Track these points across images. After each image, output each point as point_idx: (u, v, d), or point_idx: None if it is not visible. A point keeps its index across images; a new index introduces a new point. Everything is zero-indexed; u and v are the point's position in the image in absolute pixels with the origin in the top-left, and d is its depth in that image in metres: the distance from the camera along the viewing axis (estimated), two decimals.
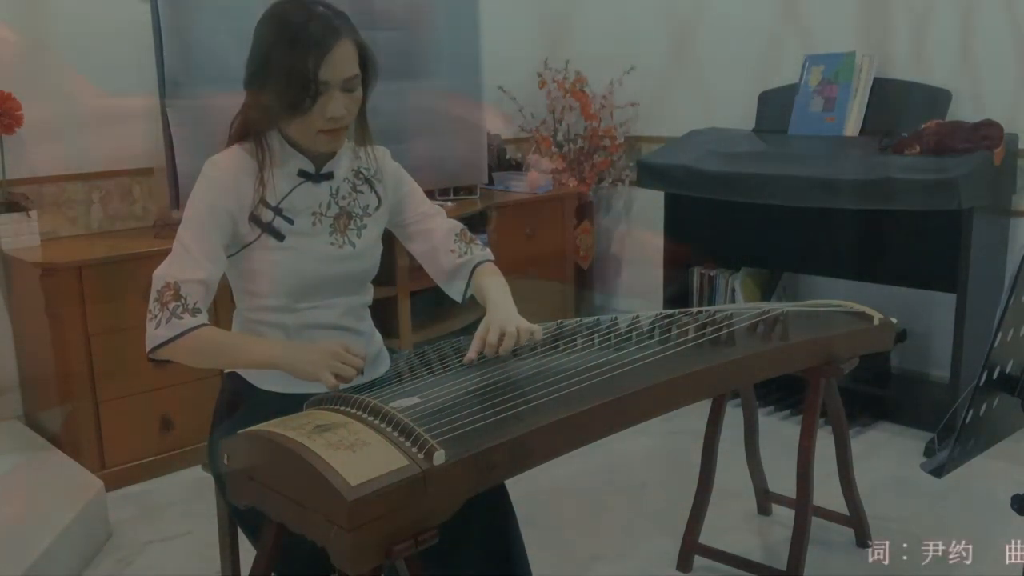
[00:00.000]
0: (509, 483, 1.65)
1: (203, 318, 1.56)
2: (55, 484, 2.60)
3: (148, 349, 1.56)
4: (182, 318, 1.54)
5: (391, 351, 1.88)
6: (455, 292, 1.85)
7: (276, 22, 1.58)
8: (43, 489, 2.58)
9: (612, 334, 1.81)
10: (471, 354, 1.61)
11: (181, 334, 1.53)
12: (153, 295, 1.56)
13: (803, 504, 2.14)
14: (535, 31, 4.33)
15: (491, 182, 4.12)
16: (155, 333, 1.54)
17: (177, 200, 3.04)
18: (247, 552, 1.71)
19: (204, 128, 2.97)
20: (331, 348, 1.53)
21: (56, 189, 3.14)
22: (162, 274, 1.57)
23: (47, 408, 2.95)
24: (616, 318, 1.92)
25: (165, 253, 2.83)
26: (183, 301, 1.54)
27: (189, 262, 1.57)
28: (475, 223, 3.76)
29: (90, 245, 3.03)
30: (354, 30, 1.60)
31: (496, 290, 1.76)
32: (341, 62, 1.56)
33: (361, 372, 1.55)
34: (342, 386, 1.54)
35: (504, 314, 1.67)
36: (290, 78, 1.54)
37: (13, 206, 2.97)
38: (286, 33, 1.55)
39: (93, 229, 3.24)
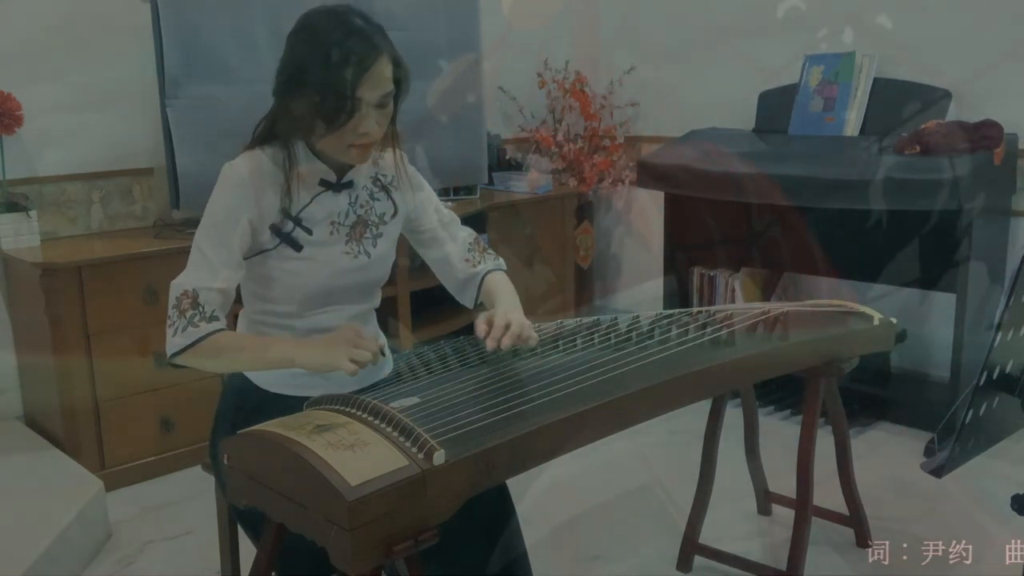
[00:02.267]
0: (509, 483, 1.65)
1: (219, 324, 1.55)
2: (55, 484, 2.60)
3: (168, 356, 1.56)
4: (198, 326, 1.53)
5: (392, 351, 1.88)
6: (467, 300, 1.86)
7: (314, 34, 1.55)
8: (43, 489, 2.58)
9: (612, 334, 1.81)
10: (482, 326, 1.62)
11: (197, 341, 1.53)
12: (172, 302, 1.55)
13: (803, 504, 2.14)
14: (535, 31, 4.33)
15: (491, 182, 4.12)
16: (173, 341, 1.54)
17: (177, 200, 3.04)
18: (247, 552, 1.71)
19: (204, 128, 2.97)
20: (344, 335, 1.53)
21: (56, 189, 3.15)
22: (180, 282, 1.56)
23: (47, 408, 2.95)
24: (616, 318, 1.92)
25: (165, 253, 2.88)
26: (200, 309, 1.54)
27: (208, 270, 1.55)
28: (475, 223, 3.76)
29: (90, 245, 3.03)
30: (391, 44, 1.58)
31: (505, 293, 1.77)
32: (378, 80, 1.54)
33: (382, 354, 1.55)
34: (347, 388, 1.54)
35: (511, 308, 1.69)
36: (327, 94, 1.51)
37: (13, 206, 2.97)
38: (325, 47, 1.51)
39: (93, 229, 3.24)
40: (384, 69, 1.55)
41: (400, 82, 1.61)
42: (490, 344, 1.59)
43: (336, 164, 1.66)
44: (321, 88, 1.51)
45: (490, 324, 1.62)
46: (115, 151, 3.25)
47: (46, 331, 2.79)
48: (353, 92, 1.51)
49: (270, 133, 1.64)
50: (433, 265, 1.88)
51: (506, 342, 1.59)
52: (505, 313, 1.65)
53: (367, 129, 1.56)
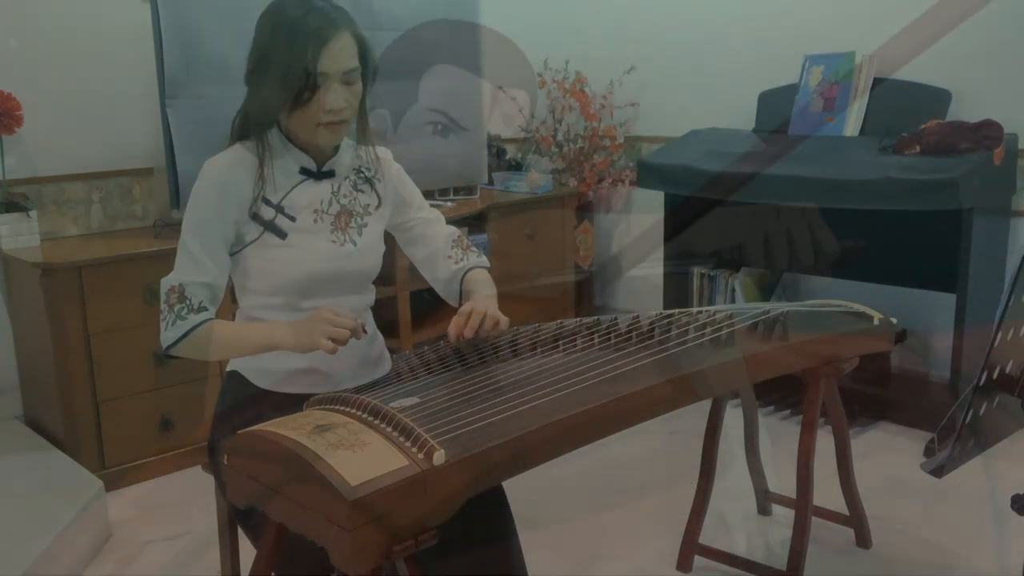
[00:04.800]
0: (510, 483, 1.65)
1: (207, 314, 1.59)
2: (55, 484, 2.60)
3: (163, 349, 1.61)
4: (186, 318, 1.57)
5: (391, 351, 1.88)
6: (451, 298, 1.88)
7: (275, 16, 1.59)
8: (43, 489, 2.58)
9: (612, 334, 1.81)
10: (452, 329, 1.65)
11: (186, 333, 1.57)
12: (162, 298, 1.60)
13: (803, 504, 2.14)
14: (535, 31, 4.33)
15: (491, 182, 4.12)
16: (165, 335, 1.59)
17: (177, 200, 3.04)
18: (247, 552, 1.71)
19: (204, 128, 2.97)
20: (321, 315, 1.55)
21: (56, 189, 3.15)
22: (168, 279, 1.61)
23: (47, 408, 2.95)
24: (616, 318, 1.92)
25: (165, 253, 2.88)
26: (188, 302, 1.58)
27: (193, 266, 1.59)
28: (475, 223, 3.77)
29: (90, 245, 3.03)
30: (353, 23, 1.61)
31: (480, 287, 1.80)
32: (340, 54, 1.57)
33: (363, 330, 1.57)
34: (346, 388, 1.54)
35: (478, 300, 1.73)
36: (289, 70, 1.54)
37: (13, 206, 2.98)
38: (285, 26, 1.56)
39: (93, 229, 3.24)
40: (345, 44, 1.58)
41: (365, 61, 1.63)
42: (467, 332, 1.63)
43: (315, 152, 1.68)
44: (283, 65, 1.55)
45: (463, 317, 1.66)
46: (115, 151, 3.25)
47: (46, 331, 2.79)
48: (314, 65, 1.54)
49: (246, 126, 1.67)
50: (418, 263, 1.90)
51: (468, 333, 1.63)
52: (471, 306, 1.67)
53: (333, 105, 1.58)
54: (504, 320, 1.69)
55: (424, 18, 3.58)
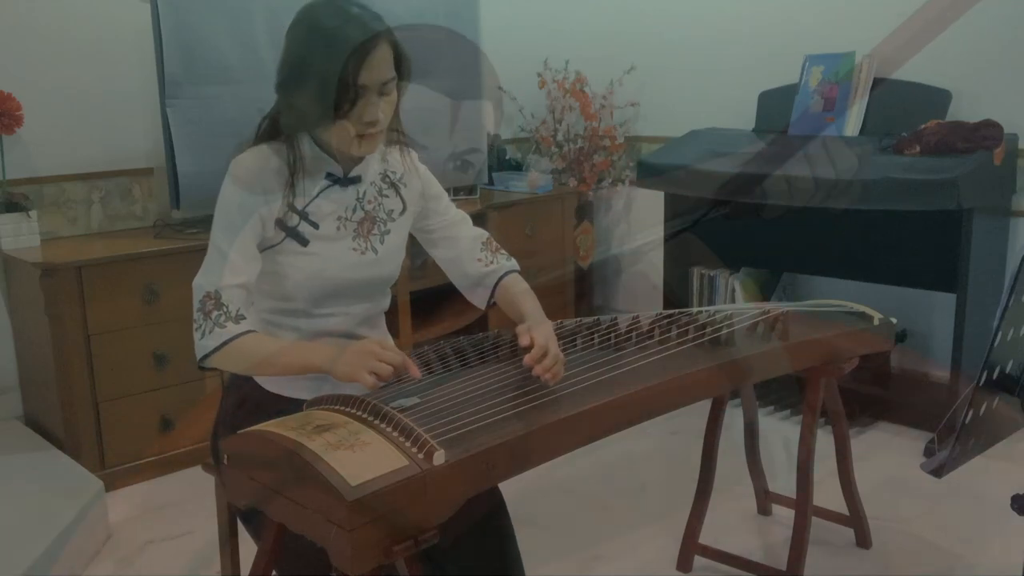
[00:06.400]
0: (510, 482, 1.65)
1: (247, 324, 1.54)
2: (55, 484, 2.60)
3: (198, 359, 1.55)
4: (225, 327, 1.52)
5: None
6: (479, 300, 1.84)
7: (312, 25, 1.54)
8: (43, 489, 2.58)
9: (612, 334, 1.81)
10: (526, 336, 1.56)
11: (225, 343, 1.52)
12: (196, 305, 1.54)
13: (803, 504, 2.14)
14: (535, 31, 4.33)
15: (491, 182, 4.12)
16: (201, 344, 1.53)
17: (177, 200, 3.04)
18: (247, 552, 1.71)
19: (204, 128, 2.97)
20: (367, 347, 1.49)
21: (56, 189, 3.15)
22: (201, 283, 1.55)
23: (47, 408, 2.95)
24: (616, 318, 1.92)
25: (165, 253, 2.88)
26: (225, 309, 1.53)
27: (226, 267, 1.54)
28: (475, 223, 3.76)
29: (90, 245, 3.03)
30: (390, 31, 1.56)
31: (531, 302, 1.75)
32: (379, 65, 1.53)
33: (402, 369, 1.49)
34: (348, 389, 1.54)
35: (550, 333, 1.61)
36: (328, 82, 1.49)
37: (13, 206, 2.98)
38: (323, 36, 1.51)
39: (93, 229, 3.24)
40: (384, 55, 1.54)
41: (401, 69, 1.60)
42: (537, 370, 1.52)
43: (342, 158, 1.65)
44: (323, 77, 1.50)
45: (533, 342, 1.54)
46: (115, 151, 3.25)
47: (46, 331, 2.79)
48: (355, 79, 1.50)
49: (274, 129, 1.63)
50: (443, 264, 1.86)
51: (544, 375, 1.52)
52: (547, 337, 1.57)
53: (372, 117, 1.54)
54: (560, 376, 1.57)
55: (424, 18, 3.57)
